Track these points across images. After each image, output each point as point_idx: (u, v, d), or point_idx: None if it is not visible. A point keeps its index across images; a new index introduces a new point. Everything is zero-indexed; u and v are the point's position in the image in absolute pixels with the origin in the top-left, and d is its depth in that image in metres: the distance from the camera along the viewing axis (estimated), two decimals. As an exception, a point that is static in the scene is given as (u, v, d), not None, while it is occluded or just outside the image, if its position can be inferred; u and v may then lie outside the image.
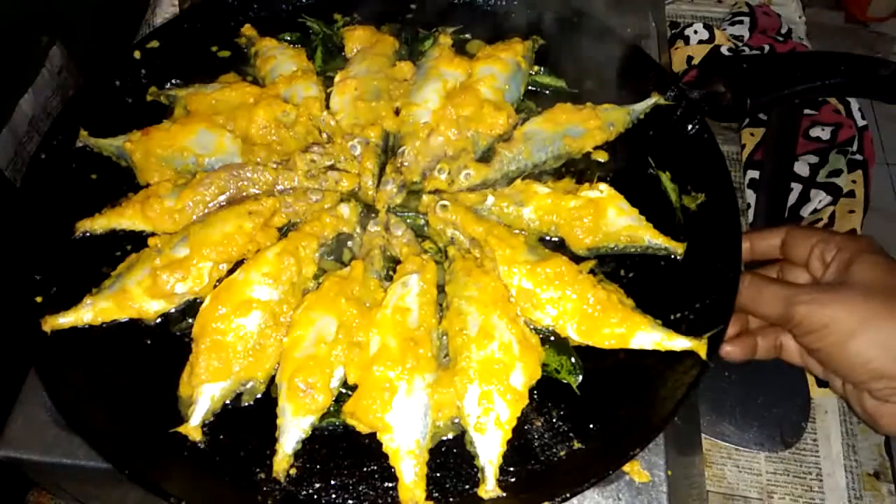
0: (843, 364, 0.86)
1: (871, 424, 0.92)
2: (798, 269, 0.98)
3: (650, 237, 1.01)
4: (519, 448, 0.87)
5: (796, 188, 1.32)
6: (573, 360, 0.93)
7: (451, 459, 0.87)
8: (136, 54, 1.21)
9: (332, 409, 0.88)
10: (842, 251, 0.90)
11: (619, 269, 1.02)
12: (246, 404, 0.90)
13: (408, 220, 1.06)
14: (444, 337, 0.92)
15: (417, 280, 0.94)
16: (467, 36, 1.27)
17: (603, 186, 1.04)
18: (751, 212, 1.31)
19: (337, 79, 1.18)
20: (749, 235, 1.01)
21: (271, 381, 0.91)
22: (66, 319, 0.93)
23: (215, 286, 0.95)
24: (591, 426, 0.89)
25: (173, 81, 1.21)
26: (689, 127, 1.13)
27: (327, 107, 1.15)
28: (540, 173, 1.11)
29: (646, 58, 1.22)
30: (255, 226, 0.99)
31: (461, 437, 0.87)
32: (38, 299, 0.96)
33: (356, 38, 1.25)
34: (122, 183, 1.09)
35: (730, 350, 0.95)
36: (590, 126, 1.11)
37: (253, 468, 0.86)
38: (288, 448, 0.85)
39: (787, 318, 0.88)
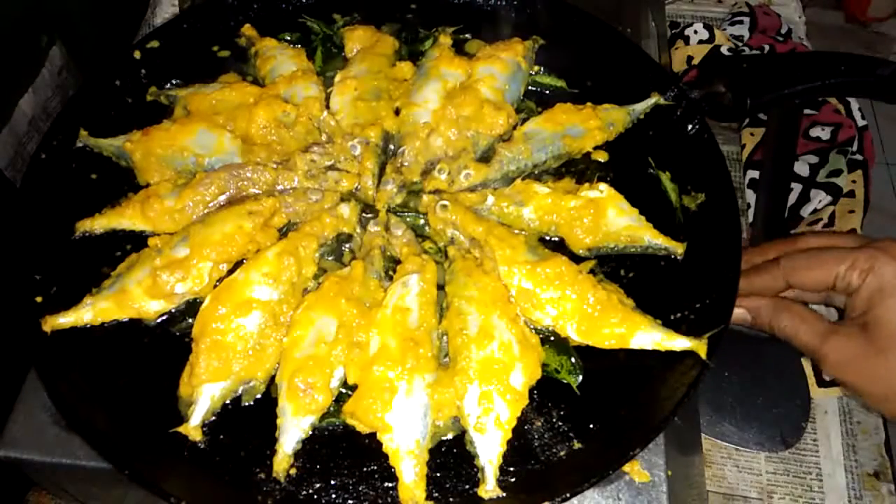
0: (887, 408, 0.86)
1: None
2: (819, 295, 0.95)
3: (650, 237, 1.01)
4: (519, 448, 0.87)
5: (796, 188, 1.32)
6: (573, 360, 0.93)
7: (451, 459, 0.87)
8: (136, 54, 1.21)
9: (332, 409, 0.88)
10: (871, 276, 0.85)
11: (619, 269, 1.02)
12: (246, 404, 0.90)
13: (408, 220, 1.06)
14: (444, 337, 0.92)
15: (417, 280, 0.94)
16: (467, 36, 1.28)
17: (603, 186, 1.04)
18: (751, 212, 1.31)
19: (337, 79, 1.18)
20: (749, 278, 0.96)
21: (271, 381, 0.91)
22: (66, 319, 0.93)
23: (215, 286, 0.95)
24: (591, 426, 0.89)
25: (173, 81, 1.21)
26: (689, 127, 1.13)
27: (327, 107, 1.15)
28: (540, 173, 1.11)
29: (646, 58, 1.22)
30: (255, 226, 0.99)
31: (461, 437, 0.87)
32: (38, 299, 0.96)
33: (356, 38, 1.25)
34: (122, 183, 1.09)
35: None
36: (590, 126, 1.10)
37: (253, 468, 0.86)
38: (288, 448, 0.85)
39: (819, 358, 0.87)
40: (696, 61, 1.46)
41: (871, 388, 0.84)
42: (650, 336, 0.91)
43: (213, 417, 0.89)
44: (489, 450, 0.84)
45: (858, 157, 1.35)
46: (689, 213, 1.07)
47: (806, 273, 0.90)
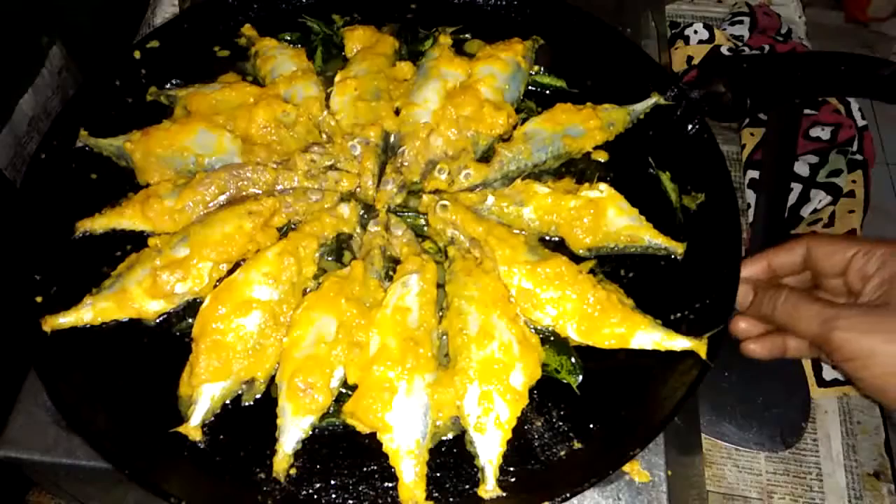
0: (888, 395, 0.80)
1: None
2: (834, 280, 0.91)
3: (650, 237, 1.01)
4: (519, 448, 0.87)
5: (796, 188, 1.31)
6: (573, 360, 0.93)
7: (451, 459, 0.87)
8: (136, 54, 1.21)
9: (332, 409, 0.88)
10: (885, 266, 0.83)
11: (619, 269, 1.02)
12: (246, 404, 0.90)
13: (408, 220, 1.06)
14: (444, 337, 0.92)
15: (417, 280, 0.94)
16: (467, 36, 1.28)
17: (603, 186, 1.04)
18: (751, 212, 1.31)
19: (337, 79, 1.18)
20: (766, 254, 0.95)
21: (271, 381, 0.91)
22: (66, 319, 0.93)
23: (215, 286, 0.95)
24: (591, 426, 0.89)
25: (173, 81, 1.21)
26: (689, 127, 1.13)
27: (327, 107, 1.15)
28: (540, 173, 1.11)
29: (646, 58, 1.22)
30: (255, 226, 0.99)
31: (461, 437, 0.87)
32: (38, 299, 0.96)
33: (356, 38, 1.25)
34: (122, 183, 1.09)
35: (754, 348, 0.93)
36: (590, 126, 1.11)
37: (253, 468, 0.86)
38: (288, 448, 0.85)
39: (824, 341, 0.82)
40: (696, 61, 1.46)
41: (888, 386, 0.79)
42: (650, 336, 0.91)
43: (213, 417, 0.89)
44: (489, 450, 0.84)
45: (858, 157, 1.35)
46: (689, 213, 1.07)
47: (827, 250, 0.89)
